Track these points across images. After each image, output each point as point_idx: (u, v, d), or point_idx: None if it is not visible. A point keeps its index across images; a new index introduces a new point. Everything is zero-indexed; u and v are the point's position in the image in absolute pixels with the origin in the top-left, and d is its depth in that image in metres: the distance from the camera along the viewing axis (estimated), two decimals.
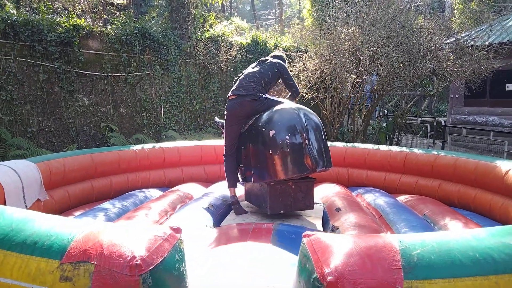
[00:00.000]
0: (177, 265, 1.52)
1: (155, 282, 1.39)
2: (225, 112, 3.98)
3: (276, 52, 4.42)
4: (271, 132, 3.43)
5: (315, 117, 3.64)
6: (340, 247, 1.41)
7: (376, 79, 8.21)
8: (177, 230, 1.61)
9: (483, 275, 1.35)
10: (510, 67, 9.22)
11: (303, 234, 1.54)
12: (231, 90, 3.94)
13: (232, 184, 4.05)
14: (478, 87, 8.19)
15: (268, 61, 4.13)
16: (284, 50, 9.23)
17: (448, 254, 1.39)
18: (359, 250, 1.37)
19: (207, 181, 5.59)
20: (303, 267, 1.44)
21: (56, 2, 9.97)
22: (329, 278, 1.28)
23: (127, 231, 1.56)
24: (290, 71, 7.77)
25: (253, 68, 4.05)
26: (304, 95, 7.94)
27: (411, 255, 1.36)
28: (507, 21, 10.52)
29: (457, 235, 1.55)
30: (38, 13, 7.92)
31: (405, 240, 1.44)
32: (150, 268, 1.38)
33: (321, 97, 8.04)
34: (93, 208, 4.12)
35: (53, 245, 1.52)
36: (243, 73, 4.06)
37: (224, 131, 4.10)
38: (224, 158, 4.13)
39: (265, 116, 3.64)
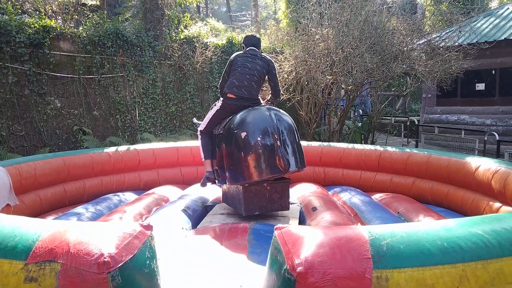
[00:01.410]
0: (147, 262, 1.49)
1: (124, 279, 1.36)
2: (217, 105, 3.88)
3: (257, 36, 4.23)
4: (243, 134, 3.42)
5: (288, 118, 3.64)
6: (310, 238, 1.41)
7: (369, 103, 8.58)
8: (148, 227, 1.58)
9: (451, 263, 1.38)
10: (479, 67, 9.50)
11: (275, 227, 1.54)
12: (229, 87, 3.77)
13: (207, 156, 4.02)
14: (449, 87, 8.40)
15: (261, 55, 4.00)
16: (263, 54, 9.23)
17: (417, 243, 1.41)
18: (329, 241, 1.38)
19: (184, 183, 5.54)
20: (274, 259, 1.44)
21: (27, 3, 9.71)
22: (299, 268, 1.28)
23: (94, 229, 1.52)
24: None
25: (250, 63, 3.85)
26: (281, 96, 7.96)
27: (380, 245, 1.37)
28: (475, 22, 10.84)
29: (426, 225, 1.57)
30: (6, 13, 7.69)
31: (374, 231, 1.45)
32: (119, 265, 1.35)
33: (297, 98, 8.09)
34: (66, 212, 4.03)
35: (17, 245, 1.47)
36: (238, 65, 3.84)
37: (209, 114, 4.02)
38: (200, 136, 4.09)
39: (237, 117, 3.62)
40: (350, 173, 5.40)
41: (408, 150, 5.08)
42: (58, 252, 1.39)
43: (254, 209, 3.63)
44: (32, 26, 7.56)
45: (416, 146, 9.40)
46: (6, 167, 3.82)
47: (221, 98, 3.88)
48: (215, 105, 4.04)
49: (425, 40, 8.10)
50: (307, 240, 1.41)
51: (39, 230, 1.54)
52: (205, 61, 10.06)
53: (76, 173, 4.69)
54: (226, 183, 3.84)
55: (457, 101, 10.89)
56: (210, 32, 11.29)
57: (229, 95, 3.78)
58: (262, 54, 4.06)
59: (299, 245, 1.38)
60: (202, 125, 4.07)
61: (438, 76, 7.54)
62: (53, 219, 3.81)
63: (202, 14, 24.10)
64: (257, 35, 4.21)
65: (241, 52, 3.99)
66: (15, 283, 1.39)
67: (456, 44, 8.40)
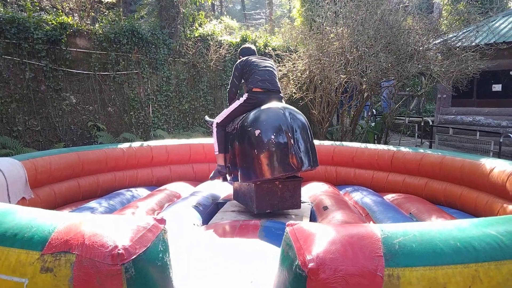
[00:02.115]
0: (160, 255, 1.51)
1: (138, 271, 1.38)
2: (241, 100, 3.90)
3: (253, 46, 4.42)
4: (257, 132, 3.42)
5: (302, 117, 3.63)
6: (322, 235, 1.41)
7: (393, 83, 8.39)
8: (161, 221, 1.60)
9: (464, 263, 1.37)
10: (496, 68, 9.35)
11: (287, 223, 1.54)
12: (253, 82, 3.83)
13: (221, 150, 4.05)
14: (465, 88, 8.29)
15: (267, 58, 4.16)
16: (274, 49, 9.23)
17: (430, 243, 1.41)
18: (341, 238, 1.38)
19: (196, 180, 5.57)
20: (285, 255, 1.44)
21: (44, 0, 9.86)
22: (311, 265, 1.28)
23: (109, 222, 1.55)
24: (280, 71, 7.83)
25: (265, 62, 4.02)
26: (293, 94, 7.96)
27: (392, 243, 1.37)
28: (493, 22, 10.67)
29: (439, 225, 1.56)
30: (25, 10, 7.82)
31: (387, 229, 1.45)
32: (133, 257, 1.37)
33: (310, 97, 8.07)
34: (80, 207, 4.08)
35: (33, 236, 1.50)
36: (253, 64, 3.94)
37: (230, 107, 4.05)
38: (215, 128, 4.11)
39: (251, 115, 3.63)
40: (362, 173, 5.37)
41: (421, 150, 5.03)
42: (73, 244, 1.42)
43: (265, 207, 3.63)
44: (50, 23, 7.68)
45: (430, 147, 9.30)
46: (22, 161, 3.89)
47: (246, 93, 3.89)
48: (229, 104, 4.07)
49: (442, 39, 8.00)
50: (319, 237, 1.41)
51: (55, 222, 1.57)
52: (219, 59, 10.10)
53: (90, 168, 4.76)
54: (238, 181, 3.85)
55: (472, 102, 10.73)
56: (224, 30, 11.32)
57: (255, 89, 3.82)
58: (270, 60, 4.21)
59: (310, 242, 1.38)
60: (220, 117, 4.07)
61: (454, 77, 7.44)
62: (68, 212, 3.87)
63: (216, 12, 24.17)
64: (252, 47, 4.39)
65: (247, 56, 4.12)
66: (32, 273, 1.42)
67: (473, 44, 8.29)
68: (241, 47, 4.42)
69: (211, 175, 4.15)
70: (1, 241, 1.54)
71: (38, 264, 1.42)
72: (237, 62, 4.10)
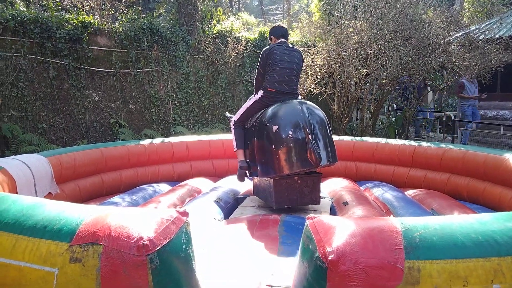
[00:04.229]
0: (183, 246, 1.55)
1: (162, 262, 1.42)
2: (256, 97, 3.88)
3: (284, 25, 4.15)
4: (275, 128, 3.44)
5: (320, 112, 3.62)
6: (342, 228, 1.43)
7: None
8: (184, 214, 1.65)
9: (486, 256, 1.37)
10: None
11: (307, 217, 1.56)
12: (270, 82, 3.74)
13: (240, 146, 4.04)
14: (488, 81, 8.10)
15: (295, 49, 3.95)
16: (292, 44, 9.21)
17: (451, 236, 1.41)
18: (361, 231, 1.39)
19: (216, 175, 5.63)
20: (306, 248, 1.46)
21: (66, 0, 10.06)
22: (331, 256, 1.30)
23: (134, 214, 1.60)
24: None
25: (288, 56, 3.81)
26: (312, 90, 7.93)
27: (413, 236, 1.37)
28: None
29: (461, 218, 1.56)
30: (47, 10, 8.00)
31: (407, 222, 1.45)
32: (157, 248, 1.42)
33: (329, 92, 8.03)
34: (103, 202, 4.18)
35: (62, 228, 1.57)
36: (276, 59, 3.76)
37: (245, 104, 4.05)
38: (233, 126, 4.12)
39: (269, 111, 3.65)
40: (383, 168, 5.33)
41: (443, 145, 4.96)
42: (100, 235, 1.48)
43: (284, 202, 3.65)
44: (71, 22, 7.85)
45: (452, 142, 9.14)
46: (48, 157, 4.01)
47: (261, 90, 3.87)
48: (250, 98, 4.08)
49: (463, 32, 7.84)
50: (339, 229, 1.42)
51: (82, 215, 1.64)
52: (237, 55, 10.13)
53: (113, 164, 4.86)
54: (257, 176, 3.88)
55: (496, 95, 10.48)
56: (242, 26, 11.34)
57: (269, 89, 3.77)
58: (298, 50, 4.01)
59: (331, 234, 1.40)
60: (237, 115, 4.11)
61: (477, 70, 7.28)
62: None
63: (234, 8, 24.20)
64: (284, 25, 4.12)
65: (275, 44, 3.90)
66: (62, 263, 1.48)
67: (497, 36, 8.09)
68: (272, 26, 4.16)
69: (238, 175, 4.11)
70: (32, 232, 1.61)
71: (67, 255, 1.48)
72: (263, 49, 3.93)
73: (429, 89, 9.45)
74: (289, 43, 4.00)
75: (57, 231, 1.56)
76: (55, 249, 1.51)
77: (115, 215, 1.58)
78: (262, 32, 10.81)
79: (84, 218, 1.60)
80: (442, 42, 7.22)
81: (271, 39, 4.05)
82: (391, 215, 3.81)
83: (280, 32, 3.98)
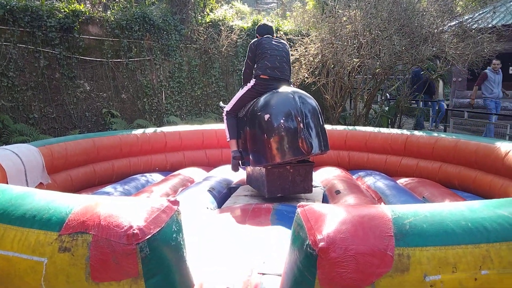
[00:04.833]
0: (174, 235, 1.54)
1: (152, 251, 1.42)
2: (249, 86, 3.90)
3: (269, 23, 4.30)
4: (266, 116, 3.44)
5: (312, 101, 3.62)
6: (333, 215, 1.43)
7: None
8: (175, 203, 1.64)
9: (475, 243, 1.37)
10: None
11: (298, 205, 1.56)
12: (262, 69, 3.78)
13: (233, 136, 4.06)
14: (481, 70, 8.12)
15: (282, 41, 4.08)
16: (286, 34, 9.15)
17: (441, 223, 1.41)
18: (352, 218, 1.39)
19: (209, 165, 5.62)
20: (296, 235, 1.46)
21: None
22: (321, 244, 1.30)
23: (124, 203, 1.59)
24: (292, 55, 7.77)
25: (276, 45, 3.92)
26: (306, 79, 7.91)
27: (403, 223, 1.38)
28: (511, 2, 10.37)
29: (450, 206, 1.57)
30: None
31: (397, 210, 1.46)
32: (147, 237, 1.41)
33: (322, 82, 8.01)
34: (95, 192, 4.17)
35: (51, 217, 1.55)
36: (266, 48, 3.85)
37: (237, 94, 4.07)
38: (225, 116, 4.14)
39: (261, 100, 3.64)
40: (375, 157, 5.35)
41: (435, 134, 4.98)
42: (90, 224, 1.47)
43: (276, 191, 3.66)
44: (62, 10, 7.73)
45: (445, 131, 9.19)
46: (39, 147, 3.98)
47: (253, 79, 3.88)
48: (241, 88, 4.07)
49: (457, 21, 7.84)
50: (330, 217, 1.43)
51: (71, 204, 1.62)
52: (230, 44, 10.06)
53: (105, 154, 4.84)
54: (249, 165, 3.88)
55: None
56: (235, 15, 11.24)
57: (262, 76, 3.79)
58: (284, 42, 4.12)
59: (321, 222, 1.40)
60: (229, 105, 4.11)
61: (470, 59, 7.29)
62: None
63: None
64: (269, 23, 4.27)
65: (262, 37, 4.01)
66: (51, 252, 1.47)
67: (490, 25, 8.09)
68: (258, 24, 4.31)
69: (231, 166, 4.16)
70: (21, 222, 1.60)
71: (56, 244, 1.47)
72: (251, 42, 4.04)
73: (439, 80, 9.30)
74: (280, 39, 4.14)
75: (46, 220, 1.55)
76: (44, 238, 1.50)
77: (104, 204, 1.57)
78: (256, 21, 10.73)
79: (73, 207, 1.59)
80: (435, 31, 7.21)
81: (257, 37, 4.12)
82: (383, 203, 3.84)
83: (265, 30, 4.11)
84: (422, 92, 9.22)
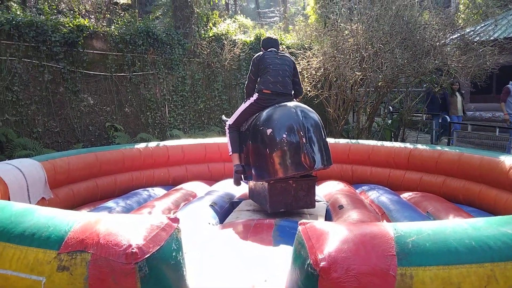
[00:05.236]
0: (174, 254, 1.53)
1: (151, 270, 1.40)
2: (251, 100, 3.90)
3: (274, 37, 4.30)
4: (269, 131, 3.43)
5: (314, 115, 3.62)
6: (334, 234, 1.41)
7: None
8: (174, 220, 1.62)
9: (479, 262, 1.35)
10: None
11: (299, 222, 1.55)
12: (265, 83, 3.79)
13: (235, 150, 4.04)
14: (484, 83, 8.11)
15: (286, 55, 4.07)
16: (288, 47, 9.21)
17: (444, 242, 1.39)
18: (353, 237, 1.37)
19: (211, 179, 5.60)
20: (298, 254, 1.44)
21: (62, 3, 10.04)
22: (322, 263, 1.28)
23: (123, 221, 1.58)
24: None
25: (279, 60, 3.92)
26: (308, 92, 7.93)
27: (405, 242, 1.36)
28: None
29: (454, 224, 1.54)
30: (43, 14, 7.97)
31: (400, 228, 1.44)
32: (146, 256, 1.40)
33: (325, 95, 8.03)
34: (97, 206, 4.15)
35: (50, 235, 1.54)
36: (268, 62, 3.86)
37: (240, 108, 4.07)
38: (228, 130, 4.13)
39: (264, 114, 3.64)
40: (378, 171, 5.31)
41: (439, 148, 4.95)
42: (89, 243, 1.45)
43: (279, 206, 3.63)
44: (67, 25, 7.82)
45: (448, 144, 9.14)
46: (42, 162, 3.98)
47: (256, 93, 3.89)
48: (244, 102, 4.07)
49: (459, 34, 7.86)
50: (331, 235, 1.41)
51: (71, 221, 1.61)
52: (233, 58, 10.12)
53: (107, 168, 4.83)
54: (251, 180, 3.86)
55: (492, 97, 10.51)
56: (238, 29, 11.33)
57: (265, 91, 3.80)
58: (290, 57, 4.13)
59: (323, 241, 1.38)
60: (232, 119, 4.11)
61: (472, 72, 7.30)
62: (86, 212, 3.93)
63: (230, 11, 24.21)
64: (274, 37, 4.27)
65: (265, 51, 4.01)
66: (49, 271, 1.45)
67: (492, 38, 8.12)
68: (263, 38, 4.32)
69: (234, 180, 4.14)
70: (19, 240, 1.58)
71: (55, 263, 1.46)
72: (254, 57, 4.04)
73: (457, 95, 9.16)
74: (285, 53, 4.13)
75: (45, 238, 1.54)
76: (42, 257, 1.49)
77: (104, 222, 1.56)
78: (258, 34, 10.80)
79: (73, 225, 1.57)
80: (437, 44, 7.23)
81: (262, 50, 4.14)
82: (387, 218, 3.80)
83: (270, 44, 4.12)
84: (440, 109, 9.06)
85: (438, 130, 9.42)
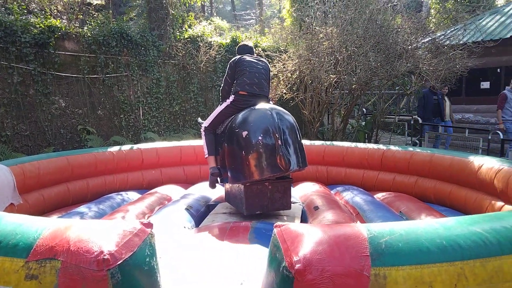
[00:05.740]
0: (147, 259, 1.50)
1: (124, 277, 1.37)
2: (227, 102, 3.90)
3: (250, 43, 4.37)
4: (244, 133, 3.43)
5: (290, 117, 3.64)
6: (309, 236, 1.42)
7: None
8: (148, 225, 1.60)
9: (449, 261, 1.38)
10: (484, 66, 9.43)
11: (274, 225, 1.54)
12: (241, 85, 3.81)
13: (211, 153, 4.03)
14: (454, 86, 8.34)
15: (262, 59, 4.14)
16: (264, 50, 9.23)
17: (416, 241, 1.42)
18: (328, 239, 1.38)
19: (187, 182, 5.55)
20: (273, 256, 1.44)
21: (32, 3, 9.77)
22: (297, 266, 1.28)
23: (95, 227, 1.54)
24: (270, 71, 7.82)
25: (255, 63, 3.97)
26: (284, 95, 7.97)
27: (379, 242, 1.38)
28: (481, 20, 10.77)
29: (426, 224, 1.57)
30: (12, 13, 7.73)
31: (373, 229, 1.45)
32: (119, 262, 1.37)
33: (300, 97, 8.08)
34: (69, 211, 4.05)
35: (18, 243, 1.49)
36: (245, 65, 3.90)
37: (216, 110, 4.06)
38: (203, 132, 4.11)
39: (239, 117, 3.64)
40: (353, 172, 5.39)
41: (411, 149, 5.06)
42: (59, 250, 1.41)
43: (255, 208, 3.63)
44: (37, 26, 7.60)
45: (420, 145, 9.35)
46: (10, 167, 3.85)
47: (232, 95, 3.88)
48: (220, 104, 4.06)
49: (430, 38, 8.07)
50: (306, 237, 1.41)
51: (40, 228, 1.56)
52: (209, 60, 10.08)
53: (79, 172, 4.72)
54: (227, 182, 3.85)
55: (461, 99, 10.82)
56: (214, 31, 11.29)
57: (241, 92, 3.81)
58: (265, 60, 4.18)
59: (297, 243, 1.39)
60: (207, 121, 4.09)
61: (443, 75, 7.50)
62: (57, 218, 3.82)
63: (206, 13, 24.12)
64: (250, 44, 4.34)
65: (242, 55, 4.06)
66: (16, 281, 1.40)
67: (461, 42, 8.36)
68: (239, 44, 4.37)
69: (209, 183, 4.10)
70: None
71: (23, 272, 1.41)
72: (231, 60, 4.07)
73: (446, 99, 8.96)
74: (262, 58, 4.21)
75: (12, 246, 1.48)
76: (9, 266, 1.44)
77: (74, 228, 1.52)
78: (234, 37, 10.80)
79: (42, 231, 1.53)
80: (409, 47, 7.40)
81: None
82: (361, 219, 3.85)
83: (245, 50, 4.22)
84: (433, 114, 9.04)
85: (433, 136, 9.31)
